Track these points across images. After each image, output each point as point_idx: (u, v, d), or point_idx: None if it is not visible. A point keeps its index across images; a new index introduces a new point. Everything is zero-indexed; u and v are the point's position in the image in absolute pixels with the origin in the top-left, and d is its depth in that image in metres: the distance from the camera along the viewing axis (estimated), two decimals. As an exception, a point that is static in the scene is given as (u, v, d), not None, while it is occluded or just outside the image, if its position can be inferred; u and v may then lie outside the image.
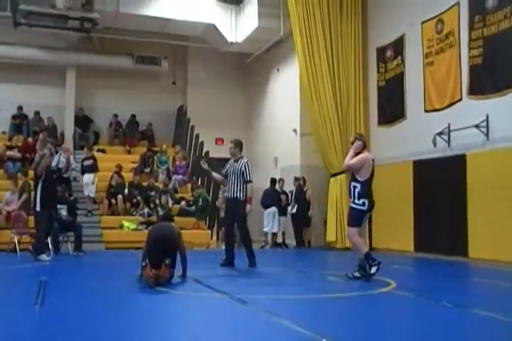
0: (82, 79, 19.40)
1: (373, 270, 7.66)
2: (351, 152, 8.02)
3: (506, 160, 10.51)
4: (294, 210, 15.23)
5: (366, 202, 7.78)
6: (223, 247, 10.28)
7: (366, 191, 7.81)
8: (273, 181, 16.19)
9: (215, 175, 10.29)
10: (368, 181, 7.85)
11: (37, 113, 19.19)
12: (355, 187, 7.81)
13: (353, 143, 8.08)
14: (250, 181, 9.57)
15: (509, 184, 10.35)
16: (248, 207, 9.61)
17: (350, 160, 7.88)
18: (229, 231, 9.96)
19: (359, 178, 7.81)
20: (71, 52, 19.08)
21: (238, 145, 9.82)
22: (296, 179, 15.49)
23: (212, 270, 9.04)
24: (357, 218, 7.85)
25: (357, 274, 7.84)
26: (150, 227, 7.94)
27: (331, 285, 7.83)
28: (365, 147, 8.08)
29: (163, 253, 7.23)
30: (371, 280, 7.60)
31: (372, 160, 8.03)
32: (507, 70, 10.63)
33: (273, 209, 15.60)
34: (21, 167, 16.89)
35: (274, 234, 15.80)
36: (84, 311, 5.49)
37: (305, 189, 15.37)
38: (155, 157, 18.34)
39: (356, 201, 7.78)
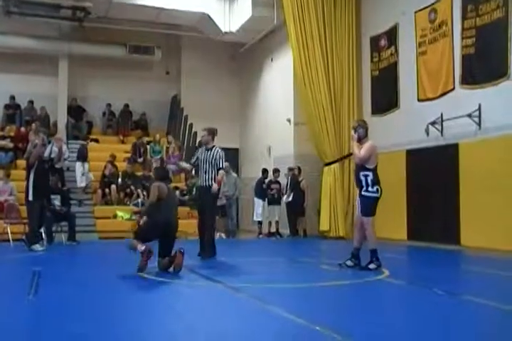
0: (74, 69, 19.31)
1: (372, 266, 7.67)
2: (354, 142, 7.96)
3: (498, 150, 10.57)
4: (290, 198, 15.21)
5: (379, 188, 7.81)
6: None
7: (377, 178, 7.85)
8: (264, 171, 16.20)
9: (182, 163, 10.35)
10: (376, 168, 7.88)
11: (30, 102, 19.11)
12: (366, 175, 7.77)
13: (355, 129, 8.02)
14: (222, 168, 9.49)
15: (501, 173, 10.42)
16: (215, 186, 9.34)
17: (360, 152, 7.79)
18: (203, 218, 9.52)
19: (369, 166, 7.79)
20: (64, 41, 18.95)
21: (211, 133, 9.68)
22: (290, 169, 15.47)
23: (205, 259, 9.06)
24: (372, 206, 7.81)
25: (349, 263, 7.88)
26: (158, 185, 7.76)
27: (325, 273, 7.88)
28: (366, 134, 8.04)
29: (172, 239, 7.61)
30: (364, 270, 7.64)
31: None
32: (499, 60, 10.65)
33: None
34: (14, 157, 16.88)
35: (269, 223, 15.85)
36: (78, 301, 5.51)
37: (300, 179, 15.38)
38: (148, 146, 18.31)
39: (370, 189, 7.75)
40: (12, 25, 17.72)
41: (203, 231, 9.39)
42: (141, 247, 7.31)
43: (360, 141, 7.98)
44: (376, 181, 7.82)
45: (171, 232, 7.75)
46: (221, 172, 9.46)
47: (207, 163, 9.38)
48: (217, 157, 9.39)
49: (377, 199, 7.85)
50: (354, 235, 8.23)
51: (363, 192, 7.83)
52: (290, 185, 15.34)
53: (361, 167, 7.87)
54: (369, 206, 7.81)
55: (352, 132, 8.10)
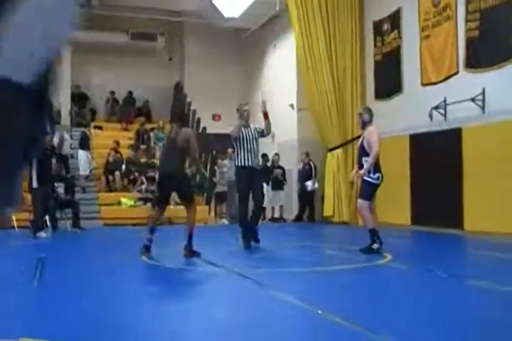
0: (77, 56, 19.23)
1: (375, 246, 7.72)
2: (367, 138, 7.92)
3: (502, 134, 10.52)
4: (316, 185, 15.09)
5: (380, 176, 7.85)
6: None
7: (379, 164, 7.89)
8: (263, 156, 16.02)
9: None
10: (379, 155, 7.91)
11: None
12: (367, 161, 7.80)
13: (360, 114, 8.17)
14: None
15: (505, 157, 10.38)
16: None
17: (372, 147, 7.77)
18: (256, 203, 8.93)
19: (375, 149, 7.80)
20: (66, 28, 18.87)
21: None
22: (307, 154, 15.24)
23: (211, 245, 9.09)
24: (370, 191, 7.89)
25: (375, 246, 7.82)
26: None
27: (328, 258, 7.90)
28: (371, 121, 8.08)
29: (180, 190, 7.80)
30: (369, 253, 7.65)
31: None
32: (503, 43, 10.57)
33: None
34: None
35: (273, 208, 15.85)
36: (83, 287, 5.54)
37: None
38: (151, 133, 18.32)
39: (372, 175, 7.79)
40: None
41: (256, 216, 8.85)
42: (146, 236, 7.51)
43: (365, 126, 8.04)
44: (378, 168, 7.85)
45: (171, 182, 7.69)
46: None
47: (253, 140, 8.67)
48: (257, 134, 8.79)
49: (377, 186, 7.90)
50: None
51: (364, 177, 7.85)
52: (315, 171, 15.09)
53: (364, 152, 7.90)
54: (368, 190, 7.87)
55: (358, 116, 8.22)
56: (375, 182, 7.83)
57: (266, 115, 8.68)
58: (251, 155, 8.60)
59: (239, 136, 8.56)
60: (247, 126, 8.76)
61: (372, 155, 7.75)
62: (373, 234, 7.80)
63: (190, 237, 7.48)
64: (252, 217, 8.74)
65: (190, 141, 7.61)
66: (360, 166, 7.97)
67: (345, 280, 6.02)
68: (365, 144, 7.92)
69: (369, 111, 8.24)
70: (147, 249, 7.57)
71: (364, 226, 8.10)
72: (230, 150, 15.96)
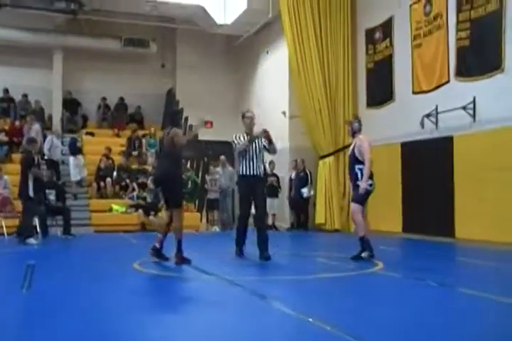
0: (69, 62, 19.25)
1: (364, 254, 7.79)
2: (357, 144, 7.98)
3: (493, 142, 10.59)
4: (312, 192, 15.08)
5: (373, 183, 7.94)
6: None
7: (372, 172, 7.95)
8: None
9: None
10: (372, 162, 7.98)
11: (24, 96, 19.05)
12: (361, 169, 7.86)
13: (351, 124, 8.31)
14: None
15: (495, 165, 10.44)
16: None
17: (365, 156, 7.83)
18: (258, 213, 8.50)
19: (368, 156, 7.86)
20: (58, 34, 18.88)
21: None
22: (303, 161, 15.28)
23: (201, 252, 9.07)
24: (363, 197, 7.94)
25: (365, 255, 7.87)
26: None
27: (320, 265, 7.89)
28: (360, 129, 8.23)
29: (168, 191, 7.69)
30: (358, 261, 7.66)
31: None
32: (494, 52, 10.65)
33: None
34: (8, 150, 16.86)
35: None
36: (73, 295, 5.49)
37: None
38: (143, 140, 18.29)
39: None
40: (5, 18, 17.59)
41: (259, 227, 8.30)
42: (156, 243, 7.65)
43: (355, 134, 8.19)
44: (370, 175, 7.92)
45: (163, 184, 7.77)
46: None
47: (257, 149, 8.37)
48: (261, 144, 8.45)
49: (369, 192, 7.96)
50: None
51: (358, 182, 7.89)
52: (310, 177, 15.11)
53: (356, 160, 7.96)
54: (361, 195, 7.90)
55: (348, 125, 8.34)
56: (369, 188, 7.89)
57: (270, 141, 8.53)
58: (253, 164, 8.33)
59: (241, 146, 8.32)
60: (251, 134, 8.52)
61: (366, 162, 7.82)
62: (363, 242, 7.84)
63: (179, 244, 7.47)
64: (258, 226, 8.35)
65: (175, 137, 7.53)
66: (353, 174, 8.01)
67: (337, 288, 6.01)
68: (356, 152, 7.98)
69: (359, 120, 8.43)
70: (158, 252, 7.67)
71: (356, 233, 8.08)
72: (222, 157, 15.98)
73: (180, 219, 7.64)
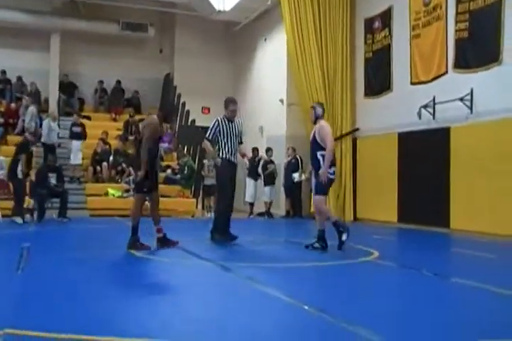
0: (66, 45, 19.15)
1: (344, 237, 7.60)
2: (318, 130, 7.83)
3: (489, 134, 10.65)
4: (303, 177, 14.95)
5: (335, 170, 7.87)
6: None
7: (334, 158, 7.89)
8: (254, 150, 15.99)
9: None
10: (334, 148, 7.88)
11: (19, 78, 18.96)
12: (323, 155, 7.65)
13: (314, 109, 8.04)
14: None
15: (491, 157, 10.51)
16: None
17: (326, 140, 7.65)
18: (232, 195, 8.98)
19: (331, 143, 7.68)
20: (56, 16, 18.76)
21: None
22: (294, 149, 15.27)
23: (197, 238, 9.12)
24: (326, 186, 7.79)
25: (316, 245, 7.81)
26: None
27: (315, 254, 7.94)
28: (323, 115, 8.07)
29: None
30: (344, 248, 7.62)
31: None
32: (492, 44, 10.67)
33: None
34: (4, 132, 16.85)
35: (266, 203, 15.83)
36: (67, 277, 5.55)
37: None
38: (140, 124, 18.22)
39: (329, 170, 7.65)
40: (3, -1, 17.52)
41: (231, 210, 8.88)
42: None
43: (317, 120, 7.95)
44: (333, 162, 7.81)
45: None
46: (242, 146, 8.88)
47: (234, 135, 8.65)
48: (241, 128, 8.83)
49: (332, 181, 7.86)
50: (316, 218, 8.14)
51: (320, 172, 7.67)
52: (300, 164, 15.12)
53: (318, 146, 7.74)
54: (322, 186, 7.73)
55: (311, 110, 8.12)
56: (331, 176, 7.75)
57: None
58: (235, 149, 8.68)
59: (223, 130, 8.58)
60: (232, 120, 8.74)
61: (328, 148, 7.60)
62: (337, 225, 7.67)
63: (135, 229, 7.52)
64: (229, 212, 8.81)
65: (147, 127, 7.60)
66: (315, 160, 7.80)
67: (332, 276, 6.08)
68: (317, 138, 7.76)
69: (321, 105, 8.25)
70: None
71: (321, 223, 7.84)
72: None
73: (134, 205, 7.75)
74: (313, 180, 7.94)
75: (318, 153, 7.72)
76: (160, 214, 7.81)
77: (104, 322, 3.80)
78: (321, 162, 7.66)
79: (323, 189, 7.80)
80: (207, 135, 8.68)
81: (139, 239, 7.50)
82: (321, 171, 7.61)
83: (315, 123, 7.97)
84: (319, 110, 8.00)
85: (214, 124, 8.65)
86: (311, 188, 11.14)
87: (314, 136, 7.82)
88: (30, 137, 12.69)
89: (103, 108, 20.15)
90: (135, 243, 7.46)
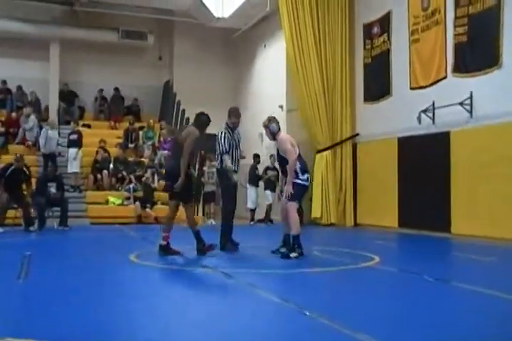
0: (66, 54, 19.18)
1: (293, 255, 7.54)
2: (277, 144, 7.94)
3: (489, 138, 10.63)
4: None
5: (309, 176, 7.92)
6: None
7: (306, 165, 7.93)
8: (255, 156, 15.97)
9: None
10: (301, 155, 7.89)
11: (19, 87, 19.00)
12: (294, 164, 7.67)
13: (266, 126, 8.01)
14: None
15: (491, 161, 10.49)
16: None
17: (289, 156, 7.66)
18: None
19: (292, 157, 7.66)
20: (55, 25, 18.80)
21: None
22: None
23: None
24: (299, 193, 7.84)
25: (283, 250, 7.81)
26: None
27: (315, 259, 7.92)
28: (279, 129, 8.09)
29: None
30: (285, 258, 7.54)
31: None
32: (491, 48, 10.67)
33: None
34: (5, 141, 16.88)
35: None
36: (68, 285, 5.53)
37: None
38: (140, 132, 18.28)
39: (301, 177, 7.71)
40: (2, 9, 17.58)
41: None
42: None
43: (275, 136, 7.97)
44: (305, 169, 7.86)
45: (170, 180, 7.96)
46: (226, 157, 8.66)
47: (236, 145, 8.80)
48: (240, 138, 9.00)
49: (306, 187, 7.93)
50: (283, 222, 8.11)
51: (294, 180, 7.69)
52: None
53: (286, 161, 7.76)
54: (297, 192, 7.75)
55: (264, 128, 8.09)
56: (304, 183, 7.78)
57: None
58: (237, 160, 8.80)
59: (230, 141, 8.64)
60: (234, 130, 8.89)
61: (290, 164, 7.61)
62: (296, 241, 7.66)
63: (197, 235, 7.70)
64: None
65: (188, 138, 7.74)
66: (285, 173, 7.91)
67: (333, 282, 6.06)
68: (281, 153, 7.84)
69: (273, 120, 8.10)
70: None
71: (288, 230, 7.84)
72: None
73: (189, 213, 7.99)
74: (285, 188, 7.91)
75: (288, 166, 7.74)
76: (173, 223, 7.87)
77: (106, 330, 3.79)
78: (297, 172, 7.72)
79: (297, 196, 7.82)
80: (225, 149, 8.58)
81: (205, 243, 7.71)
82: (286, 186, 7.72)
83: (274, 139, 8.00)
84: (273, 127, 7.97)
85: (224, 136, 8.66)
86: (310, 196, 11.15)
87: (279, 152, 7.93)
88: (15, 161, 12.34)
89: (103, 116, 20.17)
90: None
